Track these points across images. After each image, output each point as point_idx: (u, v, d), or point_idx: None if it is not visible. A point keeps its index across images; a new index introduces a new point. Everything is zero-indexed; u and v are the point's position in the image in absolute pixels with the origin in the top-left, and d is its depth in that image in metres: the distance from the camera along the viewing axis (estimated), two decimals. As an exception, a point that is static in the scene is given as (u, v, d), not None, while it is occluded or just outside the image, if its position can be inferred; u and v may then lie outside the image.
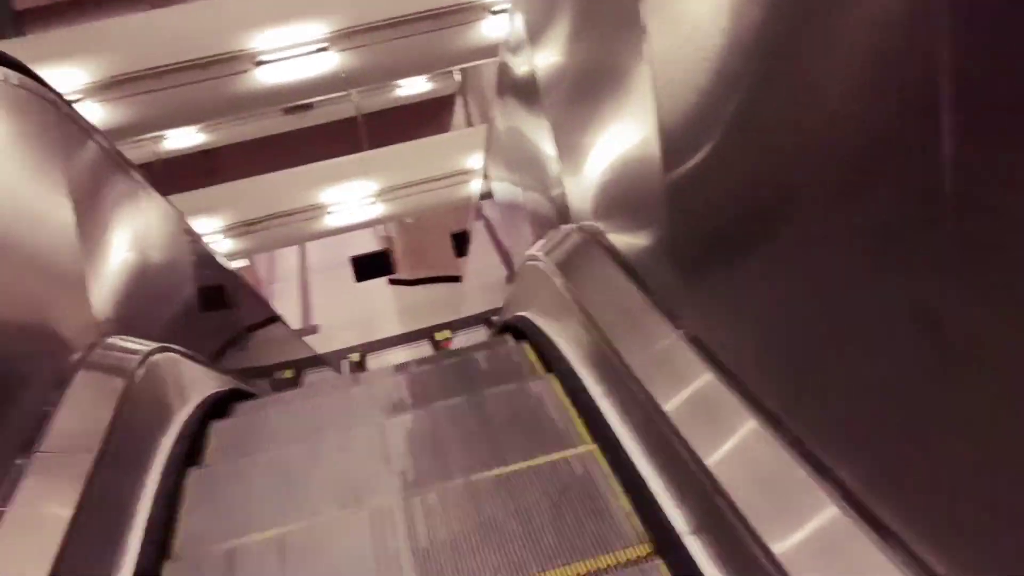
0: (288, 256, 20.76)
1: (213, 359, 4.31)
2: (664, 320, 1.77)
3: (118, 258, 2.75)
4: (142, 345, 2.43)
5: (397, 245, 18.42)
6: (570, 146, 2.35)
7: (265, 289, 19.60)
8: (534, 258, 2.66)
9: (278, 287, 20.22)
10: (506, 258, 6.38)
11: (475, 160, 12.08)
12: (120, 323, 2.56)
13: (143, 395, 2.27)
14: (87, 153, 2.59)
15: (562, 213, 2.57)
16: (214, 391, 3.17)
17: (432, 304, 17.74)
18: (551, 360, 2.41)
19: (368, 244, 18.12)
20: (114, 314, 2.55)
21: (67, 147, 2.36)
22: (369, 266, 14.74)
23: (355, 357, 15.62)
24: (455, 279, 18.22)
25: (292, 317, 18.87)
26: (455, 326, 16.31)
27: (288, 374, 7.38)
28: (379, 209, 12.12)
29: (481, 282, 8.13)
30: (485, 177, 4.13)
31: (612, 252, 2.06)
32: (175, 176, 13.37)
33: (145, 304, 3.08)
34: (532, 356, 2.86)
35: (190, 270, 4.15)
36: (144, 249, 3.19)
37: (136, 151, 13.16)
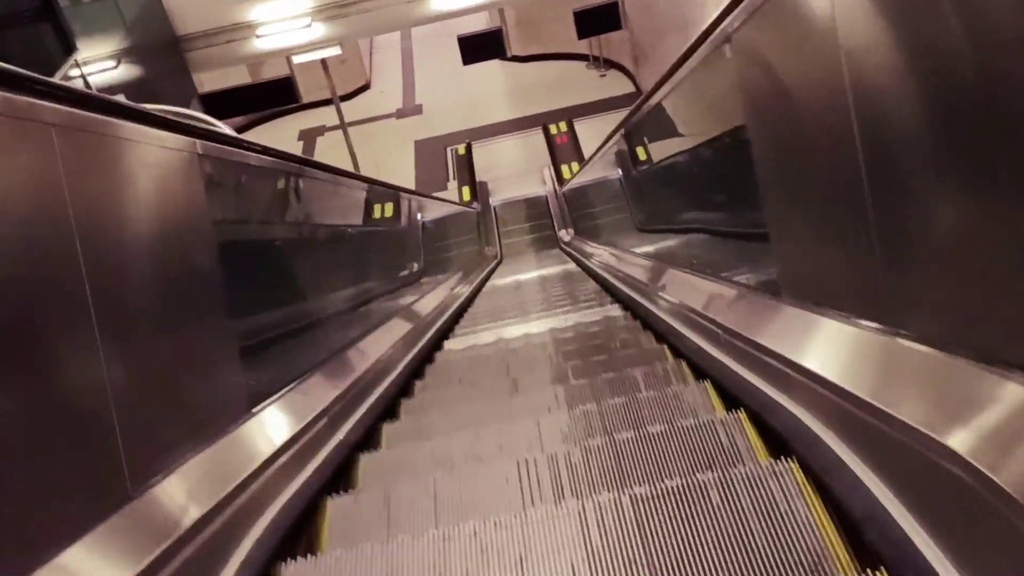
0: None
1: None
2: None
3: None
4: None
5: (509, 17, 16.26)
6: None
7: (364, 61, 17.96)
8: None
9: (377, 58, 18.51)
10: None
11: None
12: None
13: None
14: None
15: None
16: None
17: (546, 86, 15.90)
18: None
19: (477, 22, 16.06)
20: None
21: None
22: (478, 47, 12.90)
23: (461, 149, 14.24)
24: (577, 57, 16.18)
25: (393, 93, 17.37)
26: (572, 114, 14.60)
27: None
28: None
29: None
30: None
31: None
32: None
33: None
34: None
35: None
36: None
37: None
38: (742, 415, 2.18)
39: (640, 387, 2.90)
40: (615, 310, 4.81)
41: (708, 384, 2.54)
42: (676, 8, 11.61)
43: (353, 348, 3.40)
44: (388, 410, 3.21)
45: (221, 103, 12.35)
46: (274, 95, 12.62)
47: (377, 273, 4.82)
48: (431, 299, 5.71)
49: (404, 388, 3.62)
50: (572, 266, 8.15)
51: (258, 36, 10.35)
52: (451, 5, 10.07)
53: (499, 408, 2.93)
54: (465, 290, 7.04)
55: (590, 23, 12.69)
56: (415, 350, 4.14)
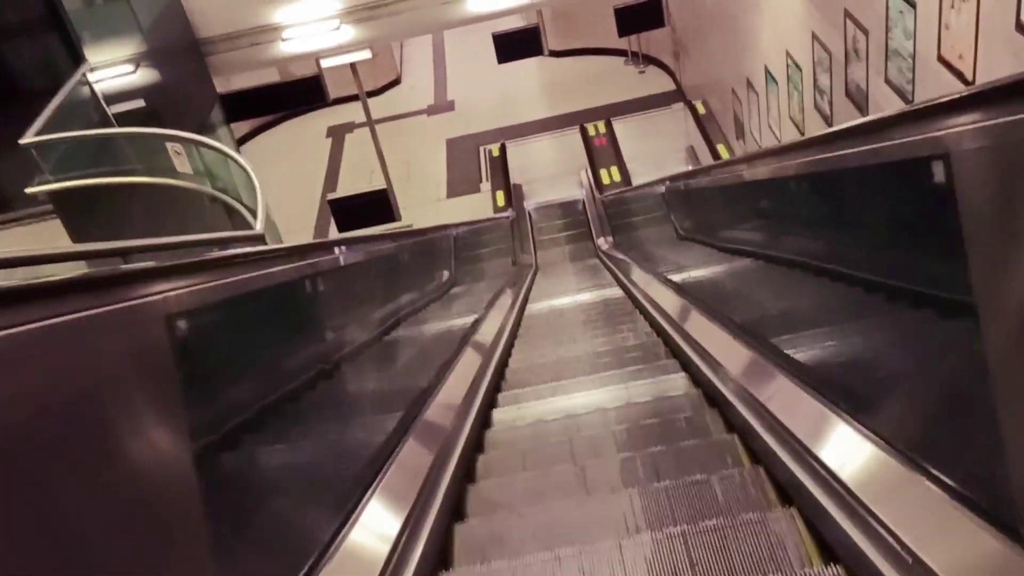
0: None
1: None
2: None
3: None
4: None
5: (545, 11, 15.74)
6: None
7: (394, 55, 17.54)
8: None
9: (408, 52, 18.07)
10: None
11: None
12: None
13: None
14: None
15: None
16: None
17: (583, 82, 15.40)
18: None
19: (512, 19, 15.58)
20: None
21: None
22: (514, 45, 12.42)
23: (495, 150, 13.80)
24: (616, 53, 15.64)
25: (424, 89, 16.96)
26: (610, 112, 14.10)
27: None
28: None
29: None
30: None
31: None
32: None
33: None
34: None
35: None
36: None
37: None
38: (840, 570, 2.01)
39: (719, 501, 2.68)
40: (671, 367, 4.44)
41: (795, 511, 2.34)
42: (721, 5, 11.08)
43: (413, 435, 3.14)
44: (456, 504, 3.01)
45: (244, 104, 11.95)
46: (301, 95, 12.21)
47: (411, 306, 4.51)
48: (480, 336, 5.43)
49: (468, 469, 3.40)
50: (616, 291, 7.72)
51: (284, 39, 9.96)
52: (488, 7, 9.60)
53: (573, 513, 2.80)
54: (508, 319, 6.65)
55: (631, 20, 12.16)
56: (471, 416, 3.88)
